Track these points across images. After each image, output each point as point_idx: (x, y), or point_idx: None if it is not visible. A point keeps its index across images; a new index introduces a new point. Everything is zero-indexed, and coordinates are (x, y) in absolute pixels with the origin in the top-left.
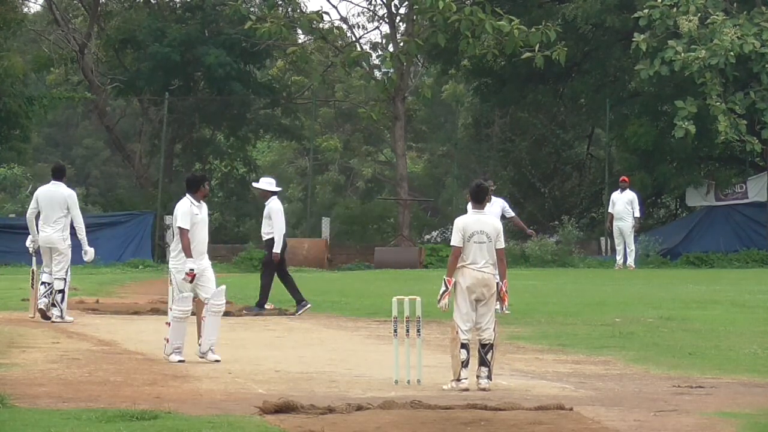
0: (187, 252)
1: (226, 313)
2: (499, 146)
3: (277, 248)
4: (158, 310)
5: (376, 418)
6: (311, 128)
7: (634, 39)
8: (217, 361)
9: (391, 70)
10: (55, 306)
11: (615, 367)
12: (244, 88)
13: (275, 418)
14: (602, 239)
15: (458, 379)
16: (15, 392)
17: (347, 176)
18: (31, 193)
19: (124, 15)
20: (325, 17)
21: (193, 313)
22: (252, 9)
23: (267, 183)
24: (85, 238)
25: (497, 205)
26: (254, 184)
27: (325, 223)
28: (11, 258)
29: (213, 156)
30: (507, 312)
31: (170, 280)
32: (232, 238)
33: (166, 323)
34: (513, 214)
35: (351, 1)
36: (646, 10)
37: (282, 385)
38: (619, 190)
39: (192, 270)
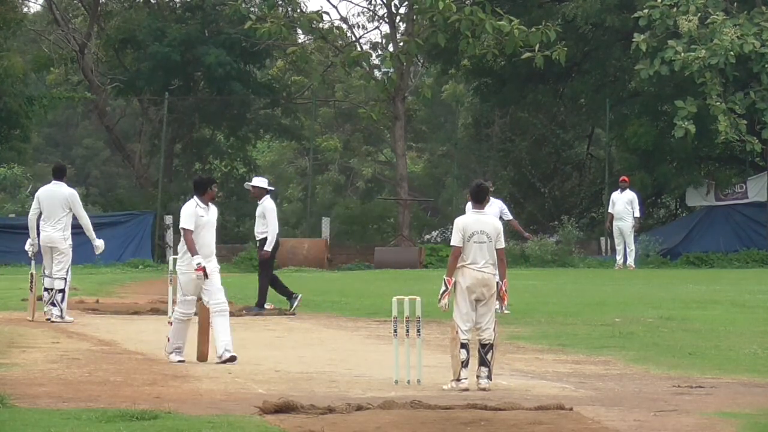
0: (192, 250)
1: None
2: (499, 146)
3: (268, 246)
4: (158, 310)
5: (376, 418)
6: (311, 128)
7: (634, 39)
8: (234, 357)
9: (391, 70)
10: (54, 306)
11: (615, 367)
12: (244, 88)
13: (275, 418)
14: (602, 239)
15: (458, 379)
16: (15, 392)
17: (347, 176)
18: (32, 193)
19: (124, 15)
20: (325, 17)
21: (195, 314)
22: (252, 9)
23: (260, 182)
24: (93, 233)
25: (495, 207)
26: (248, 183)
27: (325, 223)
28: (11, 258)
29: (213, 156)
30: (507, 312)
31: (170, 280)
32: (232, 238)
33: (168, 322)
34: (511, 216)
35: (351, 1)
36: (646, 10)
37: (282, 385)
38: (619, 190)
39: (200, 264)
